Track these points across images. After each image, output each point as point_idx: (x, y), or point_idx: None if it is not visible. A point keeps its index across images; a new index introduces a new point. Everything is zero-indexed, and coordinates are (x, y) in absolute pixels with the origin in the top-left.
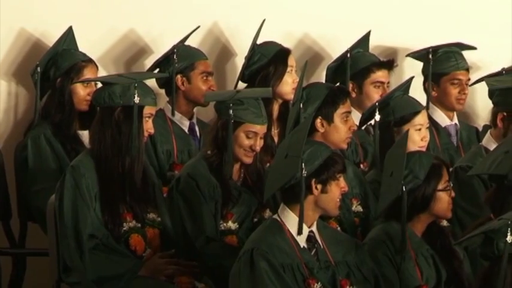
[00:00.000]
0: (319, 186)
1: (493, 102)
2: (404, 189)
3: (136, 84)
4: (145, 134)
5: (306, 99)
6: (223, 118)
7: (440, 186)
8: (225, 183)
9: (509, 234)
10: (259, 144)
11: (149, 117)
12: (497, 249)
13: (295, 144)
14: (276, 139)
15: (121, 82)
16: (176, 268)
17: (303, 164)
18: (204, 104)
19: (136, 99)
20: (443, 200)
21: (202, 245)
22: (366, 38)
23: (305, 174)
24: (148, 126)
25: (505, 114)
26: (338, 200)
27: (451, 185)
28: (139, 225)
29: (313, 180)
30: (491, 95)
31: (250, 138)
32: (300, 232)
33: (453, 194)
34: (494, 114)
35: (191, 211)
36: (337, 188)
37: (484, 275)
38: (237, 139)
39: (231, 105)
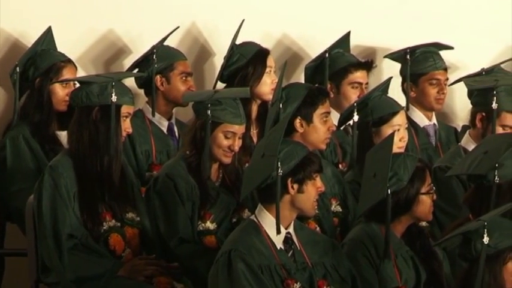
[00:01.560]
0: (295, 186)
1: (471, 103)
2: (389, 192)
3: (113, 84)
4: (123, 133)
5: (285, 99)
6: (201, 118)
7: (423, 190)
8: (203, 184)
9: (485, 235)
10: (237, 144)
11: (127, 116)
12: (474, 250)
13: (272, 143)
14: (254, 139)
15: (98, 81)
16: (155, 268)
17: (279, 163)
18: (183, 105)
19: (114, 99)
20: (426, 203)
21: (175, 245)
22: (345, 39)
23: (281, 174)
24: (126, 126)
25: (483, 114)
26: (314, 199)
27: (434, 188)
28: (118, 224)
29: (290, 180)
30: (470, 95)
31: (229, 138)
32: (278, 232)
33: (435, 197)
34: (473, 115)
35: (166, 212)
36: (314, 187)
37: (462, 276)
38: (216, 139)
39: (209, 105)
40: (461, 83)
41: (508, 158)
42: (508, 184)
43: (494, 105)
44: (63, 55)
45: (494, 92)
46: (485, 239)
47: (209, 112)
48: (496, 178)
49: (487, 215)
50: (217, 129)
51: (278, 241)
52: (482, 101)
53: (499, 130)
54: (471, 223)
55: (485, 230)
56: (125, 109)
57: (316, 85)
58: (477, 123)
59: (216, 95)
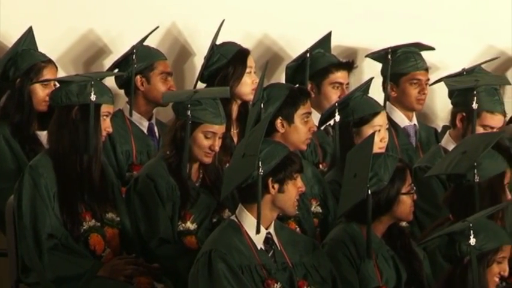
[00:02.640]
0: (276, 186)
1: (452, 103)
2: (369, 192)
3: (92, 83)
4: (103, 133)
5: (267, 99)
6: (181, 119)
7: (404, 190)
8: (184, 184)
9: (471, 236)
10: (218, 144)
11: (106, 115)
12: (459, 251)
13: (253, 143)
14: (235, 139)
15: (77, 81)
16: (135, 268)
17: (260, 163)
18: (164, 105)
19: (93, 98)
20: (406, 203)
21: (156, 246)
22: (326, 39)
23: (262, 173)
24: (106, 125)
25: (464, 114)
26: (295, 199)
27: (414, 188)
28: (98, 224)
29: (270, 180)
30: (451, 95)
31: (209, 138)
32: (258, 231)
33: (415, 197)
34: (453, 115)
35: (147, 212)
36: (294, 187)
37: (446, 277)
38: (196, 140)
39: (189, 105)
40: (442, 84)
41: (486, 158)
42: (487, 183)
43: (475, 105)
44: (43, 55)
45: (475, 92)
46: (472, 241)
47: (189, 112)
48: (477, 177)
49: (473, 216)
50: (198, 129)
51: (258, 241)
52: (463, 101)
53: (480, 130)
54: (457, 224)
55: (471, 231)
56: (105, 108)
57: (297, 85)
58: (457, 123)
59: (196, 95)
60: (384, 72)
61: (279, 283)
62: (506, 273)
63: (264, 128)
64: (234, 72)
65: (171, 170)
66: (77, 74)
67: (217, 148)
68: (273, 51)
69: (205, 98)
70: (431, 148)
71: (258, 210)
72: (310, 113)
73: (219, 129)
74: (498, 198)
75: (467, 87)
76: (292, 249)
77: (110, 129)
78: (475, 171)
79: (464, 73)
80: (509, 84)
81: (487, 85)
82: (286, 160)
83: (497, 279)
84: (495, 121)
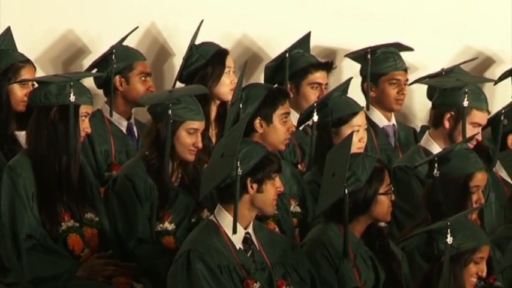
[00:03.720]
0: (254, 186)
1: (436, 103)
2: (346, 191)
3: (72, 83)
4: (82, 133)
5: (245, 99)
6: (161, 120)
7: (381, 190)
8: (163, 185)
9: (449, 235)
10: (200, 140)
11: (85, 116)
12: (437, 250)
13: (231, 143)
14: (213, 140)
15: (56, 81)
16: (114, 269)
17: (238, 163)
18: (143, 104)
19: (72, 98)
20: (384, 203)
21: (134, 246)
22: (306, 39)
23: (240, 173)
24: (85, 126)
25: (452, 113)
26: (274, 199)
27: (392, 188)
28: (77, 224)
29: (249, 180)
30: (430, 96)
31: (192, 134)
32: (234, 232)
33: (393, 198)
34: (439, 115)
35: (125, 212)
36: (273, 187)
37: (424, 275)
38: (180, 138)
39: (170, 105)
40: (420, 84)
41: (457, 156)
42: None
43: (466, 103)
44: (22, 55)
45: (467, 90)
46: (449, 239)
47: (170, 112)
48: (435, 171)
49: (453, 217)
50: (180, 127)
51: (237, 241)
52: (451, 100)
53: (469, 128)
54: (436, 223)
55: (449, 230)
56: (84, 109)
57: (276, 85)
58: (445, 123)
59: (173, 94)
60: (363, 72)
61: (258, 283)
62: (483, 274)
63: (242, 128)
64: (213, 72)
65: (150, 170)
66: (55, 75)
67: (200, 145)
68: (252, 51)
69: (183, 96)
70: (410, 148)
71: (235, 210)
72: (289, 113)
73: (201, 125)
74: (464, 199)
75: (458, 86)
76: (271, 249)
77: (89, 130)
78: (436, 165)
79: (443, 73)
80: (494, 81)
81: (475, 83)
82: (265, 160)
83: (474, 280)
84: (483, 118)
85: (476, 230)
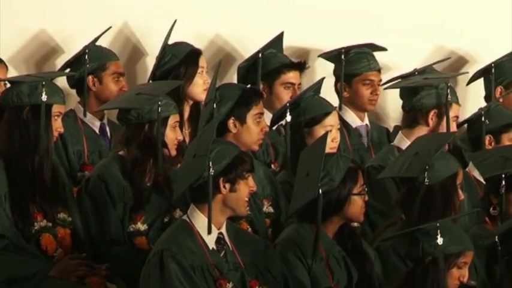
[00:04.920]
0: (227, 185)
1: (417, 105)
2: (320, 192)
3: (44, 83)
4: (55, 133)
5: (219, 99)
6: (145, 120)
7: (355, 190)
8: (140, 186)
9: (439, 236)
10: (180, 133)
11: (58, 116)
12: (422, 251)
13: (203, 143)
14: (187, 139)
15: (29, 81)
16: (87, 269)
17: (211, 163)
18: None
19: (44, 98)
20: (357, 204)
21: (107, 247)
22: (279, 39)
23: (212, 173)
24: (58, 125)
25: (436, 111)
26: (246, 199)
27: (366, 189)
28: (50, 224)
29: (221, 179)
30: (403, 96)
31: (174, 128)
32: (209, 232)
33: (367, 198)
34: (422, 114)
35: (97, 213)
36: (246, 187)
37: (406, 276)
38: (168, 134)
39: (159, 103)
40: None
41: (439, 159)
42: (439, 185)
43: (449, 97)
44: None
45: (449, 85)
46: (440, 240)
47: (160, 109)
48: (426, 180)
49: (442, 219)
50: (168, 124)
51: (210, 241)
52: (434, 98)
53: (453, 123)
54: (425, 224)
55: (438, 231)
56: (56, 108)
57: (249, 85)
58: (430, 121)
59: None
60: (336, 73)
61: (231, 283)
62: (465, 280)
63: (213, 128)
64: (186, 72)
65: (126, 171)
66: (28, 74)
67: (181, 137)
68: (225, 51)
69: (162, 92)
70: (384, 147)
71: (209, 210)
72: (262, 114)
73: (177, 118)
74: (451, 198)
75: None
76: (244, 249)
77: (62, 130)
78: (426, 174)
79: (416, 73)
80: (467, 73)
81: (455, 76)
82: (237, 160)
83: (456, 284)
84: (459, 111)
85: (463, 235)
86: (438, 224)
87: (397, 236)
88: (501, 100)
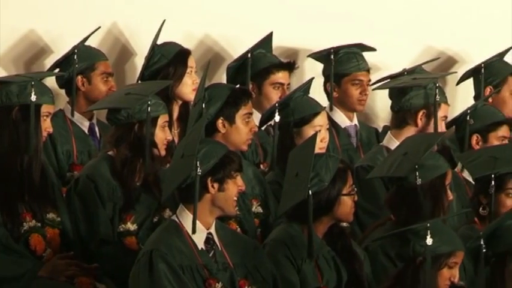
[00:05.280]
0: (215, 185)
1: (405, 105)
2: (310, 192)
3: (33, 83)
4: (44, 133)
5: (208, 99)
6: (139, 119)
7: (345, 191)
8: (129, 186)
9: (428, 236)
10: (169, 133)
11: (47, 116)
12: (412, 251)
13: (191, 143)
14: (176, 139)
15: (18, 81)
16: (76, 269)
17: (198, 163)
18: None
19: (33, 98)
20: (347, 204)
21: (96, 247)
22: (268, 39)
23: (200, 173)
24: (47, 125)
25: (424, 111)
26: (235, 198)
27: (355, 189)
28: (39, 224)
29: (210, 179)
30: (392, 96)
31: (164, 128)
32: (194, 231)
33: (356, 198)
34: (409, 114)
35: (87, 213)
36: (234, 186)
37: (396, 276)
38: (158, 134)
39: (149, 102)
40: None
41: (428, 159)
42: (428, 185)
43: (438, 97)
44: None
45: (438, 85)
46: (429, 241)
47: (149, 109)
48: (418, 180)
49: (433, 220)
50: (157, 124)
51: (199, 241)
52: (422, 99)
53: (442, 123)
54: (415, 224)
55: (428, 231)
56: (45, 108)
57: (238, 85)
58: (419, 121)
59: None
60: (325, 73)
61: (220, 283)
62: (456, 280)
63: (201, 128)
64: (175, 72)
65: (115, 171)
66: (17, 74)
67: (170, 137)
68: (214, 51)
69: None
70: (373, 147)
71: (194, 210)
72: (251, 114)
73: (167, 118)
74: (440, 198)
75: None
76: (233, 249)
77: (51, 130)
78: (417, 173)
79: (406, 73)
80: (456, 72)
81: (443, 75)
82: (225, 159)
83: (447, 284)
84: (447, 111)
85: (453, 235)
86: (428, 224)
87: (388, 236)
88: (490, 100)
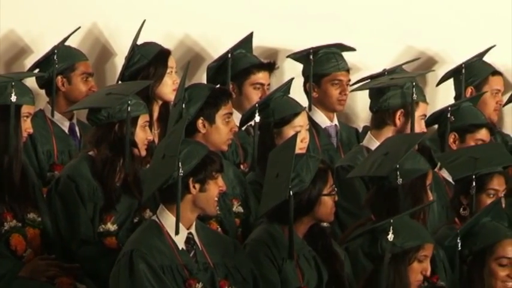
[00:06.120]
0: (197, 186)
1: (383, 105)
2: (291, 193)
3: (13, 83)
4: (24, 133)
5: (188, 99)
6: (120, 119)
7: (325, 191)
8: (109, 186)
9: (390, 232)
10: (150, 133)
11: (27, 116)
12: (381, 249)
13: (172, 144)
14: (156, 140)
15: None
16: (57, 270)
17: (180, 164)
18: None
19: (14, 98)
20: (328, 204)
21: (77, 247)
22: (248, 39)
23: (182, 174)
24: (27, 126)
25: (402, 110)
26: (216, 199)
27: (336, 189)
28: (19, 224)
29: (191, 180)
30: (373, 97)
31: (144, 128)
32: (177, 232)
33: (337, 198)
34: (388, 114)
35: (67, 213)
36: (216, 186)
37: (369, 275)
38: (138, 134)
39: (129, 102)
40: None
41: (409, 159)
42: (409, 185)
43: (415, 96)
44: None
45: (415, 84)
46: (390, 237)
47: (129, 108)
48: (399, 179)
49: (397, 216)
50: (138, 124)
51: (180, 241)
52: (400, 98)
53: (420, 121)
54: (380, 222)
55: (391, 228)
56: (25, 109)
57: (219, 86)
58: (397, 121)
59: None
60: (305, 73)
61: (200, 283)
62: (428, 273)
63: (182, 128)
64: (155, 72)
65: (96, 171)
66: None
67: (151, 137)
68: (194, 51)
69: (131, 92)
70: (353, 148)
71: (177, 211)
72: (231, 114)
73: (147, 118)
74: (420, 199)
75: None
76: (213, 249)
77: (31, 130)
78: (398, 173)
79: (386, 73)
80: (434, 70)
81: (421, 74)
82: (206, 159)
83: (419, 278)
84: (427, 109)
85: (420, 229)
86: (392, 221)
87: (358, 236)
88: None
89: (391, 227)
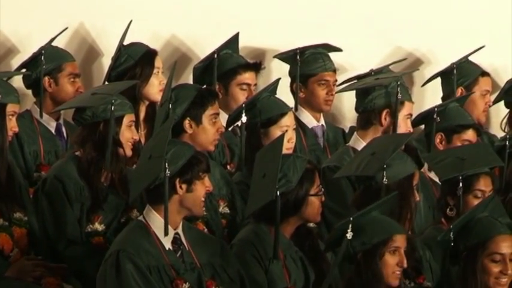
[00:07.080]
0: (183, 186)
1: (370, 105)
2: (278, 193)
3: None
4: (10, 132)
5: (175, 100)
6: (100, 119)
7: (312, 191)
8: (96, 186)
9: (349, 230)
10: (136, 133)
11: (12, 115)
12: (351, 248)
13: (159, 144)
14: (142, 140)
15: None
16: (44, 270)
17: (167, 164)
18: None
19: None
20: (314, 204)
21: (64, 247)
22: (234, 39)
23: (168, 175)
24: (12, 125)
25: (388, 110)
26: (203, 199)
27: (322, 190)
28: (6, 223)
29: (178, 180)
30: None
31: (130, 128)
32: (166, 233)
33: (323, 199)
34: (374, 114)
35: (54, 213)
36: (202, 187)
37: (348, 276)
38: (123, 133)
39: (113, 101)
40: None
41: (396, 159)
42: (396, 185)
43: (400, 96)
44: None
45: (399, 83)
46: (349, 235)
47: (113, 108)
48: (385, 179)
49: (357, 213)
50: (123, 124)
51: (166, 241)
52: (385, 98)
53: (407, 121)
54: (342, 221)
55: (350, 225)
56: (11, 108)
57: (205, 86)
58: (383, 120)
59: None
60: (292, 73)
61: (187, 283)
62: (405, 265)
63: (169, 129)
64: (142, 73)
65: (82, 171)
66: None
67: (137, 137)
68: (180, 51)
69: (116, 91)
70: (339, 148)
71: (165, 212)
72: (218, 114)
73: (133, 118)
74: (407, 199)
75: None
76: (200, 249)
77: (16, 129)
78: (384, 173)
79: (372, 74)
80: (418, 69)
81: (406, 74)
82: (193, 160)
83: (396, 270)
84: (412, 109)
85: (385, 222)
86: (351, 219)
87: (330, 240)
88: None
89: (350, 226)
